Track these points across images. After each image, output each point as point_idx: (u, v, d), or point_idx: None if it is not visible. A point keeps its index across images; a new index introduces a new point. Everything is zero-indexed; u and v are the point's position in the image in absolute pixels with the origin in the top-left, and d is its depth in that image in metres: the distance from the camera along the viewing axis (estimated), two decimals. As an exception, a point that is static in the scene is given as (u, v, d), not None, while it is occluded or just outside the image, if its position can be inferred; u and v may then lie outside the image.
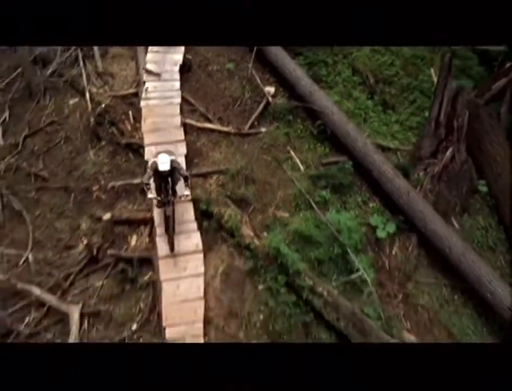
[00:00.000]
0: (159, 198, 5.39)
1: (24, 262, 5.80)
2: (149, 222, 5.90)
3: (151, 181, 5.37)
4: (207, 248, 5.68)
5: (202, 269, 5.30)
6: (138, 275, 5.50)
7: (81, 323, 5.20)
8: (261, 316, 5.23)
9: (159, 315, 5.16)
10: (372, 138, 7.18)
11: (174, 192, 5.46)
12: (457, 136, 6.68)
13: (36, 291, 5.36)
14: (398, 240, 6.29)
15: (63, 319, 5.24)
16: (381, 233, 6.15)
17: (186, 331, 4.84)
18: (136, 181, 6.39)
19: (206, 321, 5.15)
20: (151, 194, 5.36)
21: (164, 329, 4.93)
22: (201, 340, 4.90)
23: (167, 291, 5.12)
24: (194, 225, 5.63)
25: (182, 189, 5.41)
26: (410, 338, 5.55)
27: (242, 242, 5.62)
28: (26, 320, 5.23)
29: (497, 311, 5.51)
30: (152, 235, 5.76)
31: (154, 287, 5.42)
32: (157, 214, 5.71)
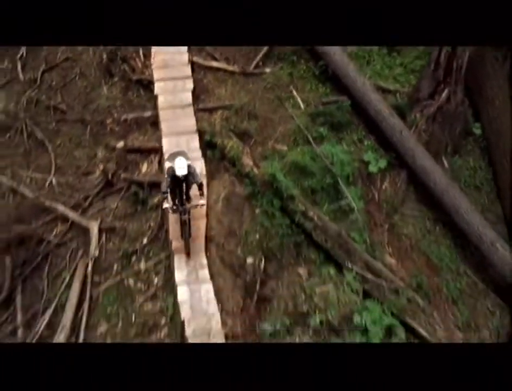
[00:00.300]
0: (174, 207, 5.24)
1: (48, 185, 6.48)
2: (158, 151, 6.47)
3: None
4: (210, 176, 6.25)
5: (204, 192, 5.89)
6: (148, 197, 6.16)
7: (100, 237, 5.95)
8: (257, 236, 5.87)
9: (167, 232, 5.86)
10: (373, 80, 7.41)
11: (188, 197, 5.35)
12: (455, 77, 6.86)
13: (61, 208, 6.08)
14: (389, 176, 6.74)
15: (85, 232, 6.00)
16: (372, 168, 6.59)
17: (190, 244, 5.51)
18: (147, 114, 6.91)
19: (208, 239, 5.82)
20: (167, 204, 5.23)
21: (171, 242, 5.63)
22: (203, 254, 5.59)
23: (174, 210, 5.77)
24: (199, 153, 6.17)
25: (196, 196, 5.33)
26: (391, 261, 6.18)
27: (243, 171, 6.17)
28: (54, 231, 6.01)
29: (471, 240, 6.04)
30: (161, 162, 6.36)
31: (163, 210, 6.07)
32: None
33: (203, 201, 5.30)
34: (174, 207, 5.24)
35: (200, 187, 5.25)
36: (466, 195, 6.45)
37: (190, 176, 5.10)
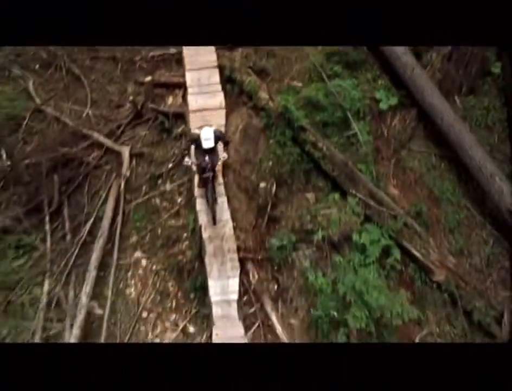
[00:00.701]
0: (196, 162, 5.26)
1: (85, 116, 7.23)
2: (182, 85, 7.03)
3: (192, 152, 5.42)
4: (230, 110, 6.77)
5: (223, 121, 6.45)
6: (173, 126, 6.82)
7: (130, 161, 6.71)
8: (270, 163, 6.43)
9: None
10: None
11: (214, 169, 5.40)
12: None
13: (97, 135, 6.85)
14: (400, 114, 7.04)
15: (117, 157, 6.76)
16: (383, 105, 6.89)
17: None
18: (172, 51, 7.43)
19: (226, 166, 6.44)
20: (188, 159, 5.36)
21: (192, 166, 6.27)
22: (220, 174, 6.14)
23: (196, 138, 6.41)
24: (219, 87, 6.70)
25: (220, 152, 5.49)
26: (394, 192, 6.62)
27: (259, 104, 6.66)
28: (92, 155, 6.81)
29: (472, 173, 6.35)
30: (184, 96, 6.93)
31: (186, 136, 6.71)
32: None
33: (225, 155, 5.50)
34: (197, 163, 5.33)
35: (226, 144, 5.43)
36: (471, 131, 6.68)
37: (217, 142, 5.08)
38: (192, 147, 5.24)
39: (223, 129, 6.39)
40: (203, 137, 4.91)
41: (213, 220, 5.67)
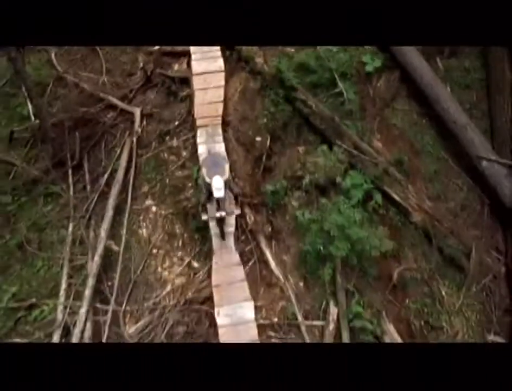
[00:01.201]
0: (212, 218, 5.48)
1: (101, 82, 8.10)
2: (187, 53, 7.81)
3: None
4: (229, 74, 7.52)
5: (222, 82, 7.20)
6: (179, 89, 7.60)
7: (141, 120, 7.53)
8: (265, 120, 7.17)
9: (193, 116, 7.31)
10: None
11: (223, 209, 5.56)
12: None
13: (111, 98, 7.68)
14: (385, 76, 7.70)
15: (130, 117, 7.59)
16: (369, 68, 7.55)
17: (211, 121, 6.89)
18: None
19: (226, 124, 7.21)
20: (205, 216, 5.53)
21: (195, 119, 7.06)
22: (220, 126, 6.88)
23: (199, 97, 7.17)
24: (219, 53, 7.46)
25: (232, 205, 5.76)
26: (378, 144, 7.31)
27: (255, 69, 7.39)
28: (107, 116, 7.67)
29: (449, 126, 6.99)
30: (188, 62, 7.72)
31: (191, 99, 7.50)
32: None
33: (237, 211, 5.68)
34: (211, 216, 5.59)
35: (236, 197, 5.60)
36: (452, 92, 7.30)
37: (227, 189, 5.17)
38: (205, 192, 5.43)
39: (222, 92, 7.14)
40: (214, 186, 5.05)
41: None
